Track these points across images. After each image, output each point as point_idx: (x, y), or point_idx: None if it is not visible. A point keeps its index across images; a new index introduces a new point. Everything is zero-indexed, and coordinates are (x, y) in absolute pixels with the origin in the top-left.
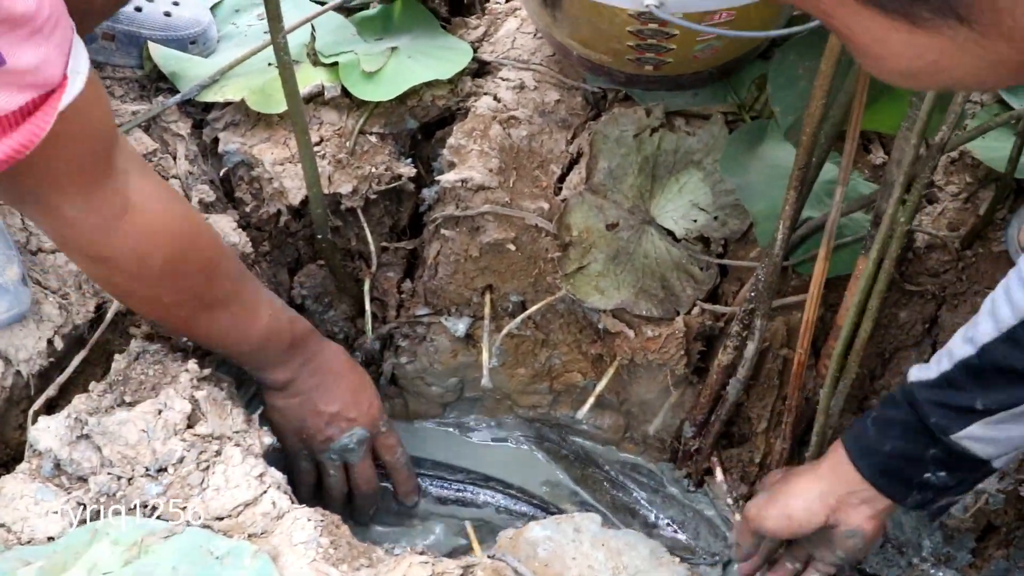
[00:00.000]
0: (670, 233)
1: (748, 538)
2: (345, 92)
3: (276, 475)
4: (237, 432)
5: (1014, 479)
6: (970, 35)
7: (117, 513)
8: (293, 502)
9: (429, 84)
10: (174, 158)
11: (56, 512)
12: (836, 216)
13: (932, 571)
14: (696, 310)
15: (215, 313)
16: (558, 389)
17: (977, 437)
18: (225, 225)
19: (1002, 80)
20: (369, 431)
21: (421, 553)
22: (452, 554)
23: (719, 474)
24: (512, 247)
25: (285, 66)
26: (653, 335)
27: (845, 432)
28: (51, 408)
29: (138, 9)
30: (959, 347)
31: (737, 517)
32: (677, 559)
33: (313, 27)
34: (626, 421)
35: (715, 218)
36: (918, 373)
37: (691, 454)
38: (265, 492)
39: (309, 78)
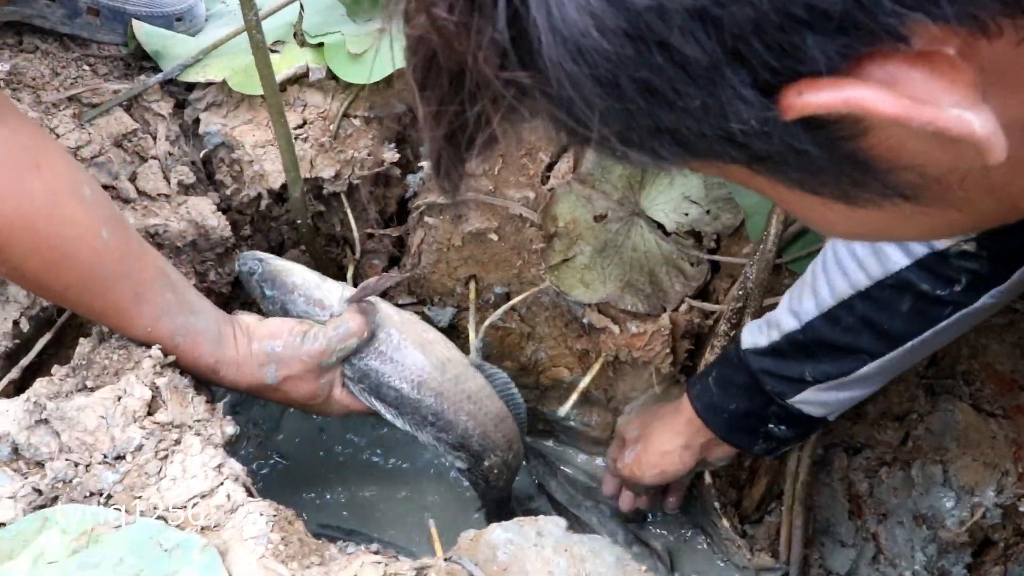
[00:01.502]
0: (660, 226)
1: (614, 488)
2: (331, 74)
3: (235, 466)
4: (198, 421)
5: (1013, 493)
6: (916, 208)
7: (77, 501)
8: (250, 495)
9: None
10: (154, 138)
11: (11, 497)
12: None
13: None
14: (684, 307)
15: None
16: (545, 384)
17: (810, 401)
18: (204, 208)
19: (959, 233)
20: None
21: (375, 552)
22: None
23: (707, 477)
24: (495, 237)
25: (258, 46)
26: (638, 331)
27: (689, 388)
28: (20, 391)
29: None
30: (786, 319)
31: (724, 523)
32: (643, 567)
33: (302, 6)
34: (614, 418)
35: (707, 212)
36: (751, 338)
37: None
38: (221, 484)
39: (294, 59)
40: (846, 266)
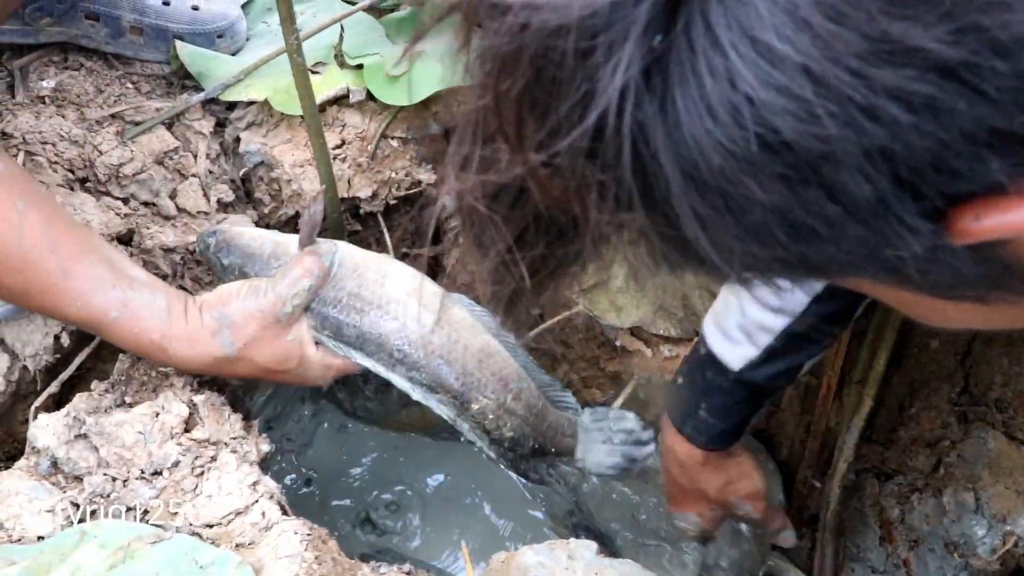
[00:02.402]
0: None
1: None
2: (370, 95)
3: (270, 484)
4: (234, 438)
5: None
6: None
7: (115, 516)
8: (285, 513)
9: (455, 89)
10: (195, 156)
11: (49, 511)
12: None
13: None
14: None
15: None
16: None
17: (809, 369)
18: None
19: None
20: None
21: (407, 573)
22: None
23: None
24: None
25: (298, 68)
26: (671, 355)
27: (687, 432)
28: (60, 404)
29: (166, 3)
30: (773, 320)
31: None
32: None
33: (343, 28)
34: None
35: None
36: (738, 356)
37: None
38: (256, 502)
39: (335, 80)
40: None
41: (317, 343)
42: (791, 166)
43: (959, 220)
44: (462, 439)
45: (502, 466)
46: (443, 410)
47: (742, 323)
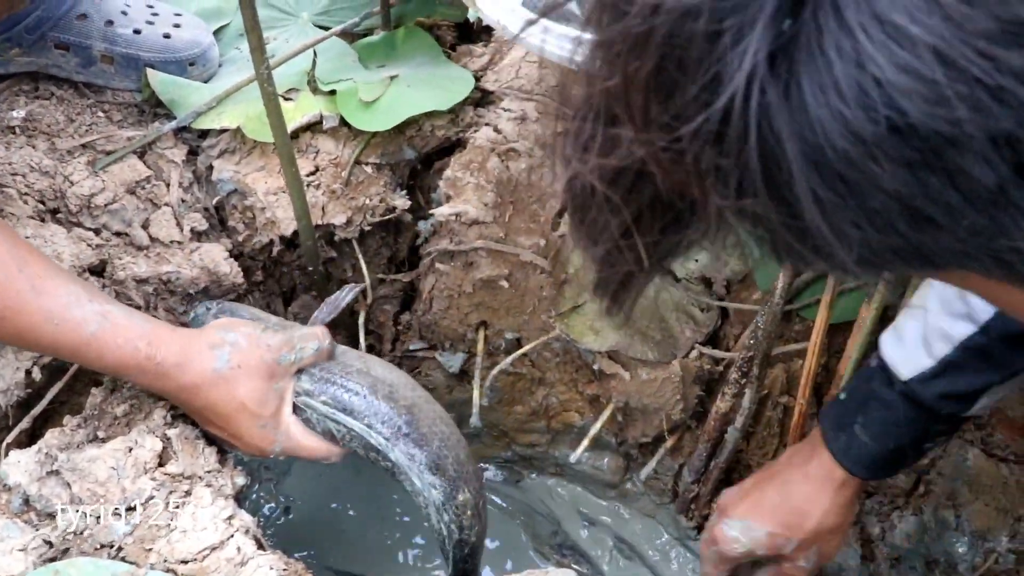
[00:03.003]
0: (670, 272)
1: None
2: (344, 121)
3: (245, 518)
4: (208, 472)
5: None
6: None
7: (88, 553)
8: (260, 548)
9: (429, 114)
10: (167, 185)
11: (22, 550)
12: None
13: None
14: (694, 354)
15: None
16: (556, 428)
17: (984, 405)
18: (216, 254)
19: None
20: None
21: None
22: None
23: None
24: (505, 283)
25: (269, 97)
26: (649, 378)
27: (832, 448)
28: (32, 440)
29: (137, 32)
30: (954, 326)
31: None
32: None
33: (315, 53)
34: (626, 463)
35: (717, 257)
36: (911, 364)
37: (691, 500)
38: (232, 536)
39: (308, 106)
40: None
41: (305, 420)
42: (916, 150)
43: None
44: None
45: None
46: (434, 494)
47: (922, 329)
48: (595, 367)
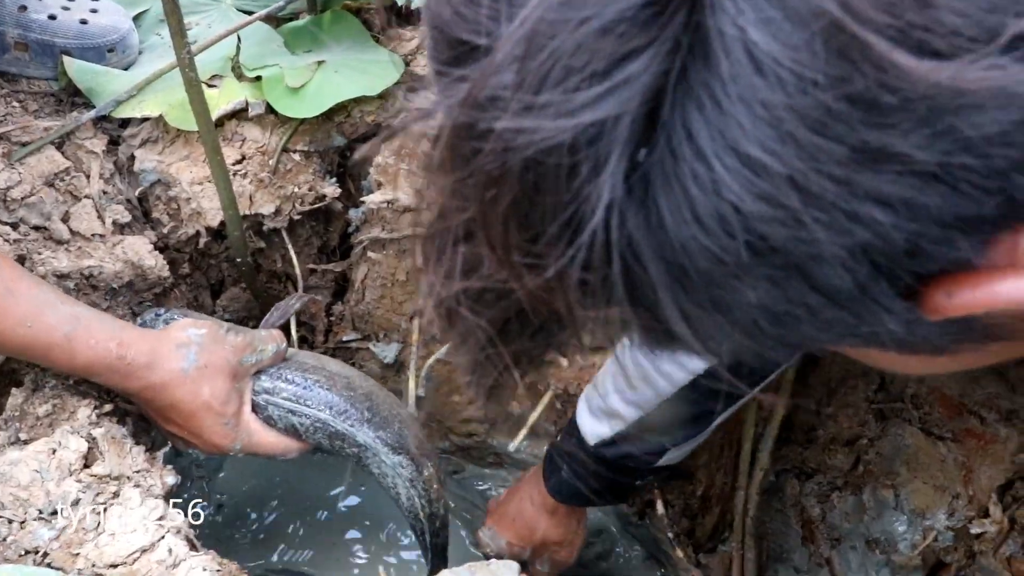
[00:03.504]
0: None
1: None
2: (270, 108)
3: (176, 518)
4: (137, 472)
5: (964, 516)
6: (1007, 345)
7: (12, 560)
8: (193, 548)
9: (358, 99)
10: (87, 177)
11: None
12: None
13: None
14: None
15: None
16: (494, 418)
17: (672, 458)
18: (141, 247)
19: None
20: None
21: None
22: None
23: (660, 507)
24: None
25: (192, 84)
26: (587, 364)
27: (549, 487)
28: None
29: (52, 17)
30: (624, 409)
31: (679, 553)
32: None
33: (239, 39)
34: None
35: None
36: (593, 431)
37: None
38: (163, 538)
39: (233, 93)
40: (679, 357)
41: (266, 418)
42: (777, 267)
43: (932, 297)
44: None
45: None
46: (402, 472)
47: (600, 404)
48: None
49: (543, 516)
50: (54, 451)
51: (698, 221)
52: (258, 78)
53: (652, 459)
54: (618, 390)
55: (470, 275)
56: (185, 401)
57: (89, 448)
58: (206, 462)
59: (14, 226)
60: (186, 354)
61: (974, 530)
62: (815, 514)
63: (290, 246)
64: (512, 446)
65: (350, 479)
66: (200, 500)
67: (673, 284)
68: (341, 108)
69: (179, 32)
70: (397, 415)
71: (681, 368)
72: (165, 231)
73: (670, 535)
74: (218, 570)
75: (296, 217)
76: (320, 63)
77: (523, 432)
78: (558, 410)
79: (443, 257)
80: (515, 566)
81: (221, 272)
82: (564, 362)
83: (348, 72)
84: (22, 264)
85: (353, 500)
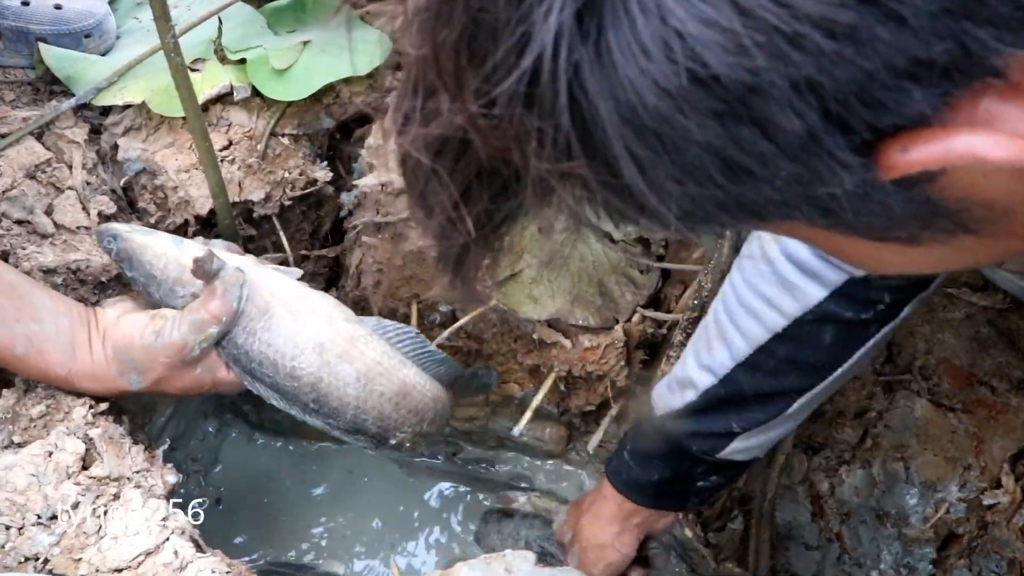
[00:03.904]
0: (607, 234)
1: None
2: (256, 91)
3: (180, 519)
4: (137, 472)
5: (976, 487)
6: (977, 240)
7: (11, 568)
8: (200, 549)
9: (346, 80)
10: (70, 167)
11: None
12: None
13: None
14: (637, 317)
15: None
16: (495, 400)
17: (739, 450)
18: None
19: (1013, 257)
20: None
21: None
22: None
23: None
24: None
25: (177, 69)
26: (591, 345)
27: (608, 466)
28: None
29: (25, 3)
30: (699, 375)
31: (688, 532)
32: None
33: (220, 20)
34: (568, 432)
35: (547, 228)
36: (664, 402)
37: None
38: (167, 540)
39: (217, 77)
40: (756, 309)
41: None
42: (723, 101)
43: (887, 153)
44: None
45: None
46: (360, 445)
47: (679, 373)
48: (535, 336)
49: (600, 506)
50: (50, 453)
51: (644, 51)
52: (242, 61)
53: (718, 445)
54: (695, 352)
55: (428, 122)
56: (165, 396)
57: (87, 449)
58: (202, 456)
59: None
60: (129, 380)
61: (986, 501)
62: (824, 489)
63: (281, 232)
64: (516, 430)
65: (350, 469)
66: (201, 500)
67: (622, 123)
68: (329, 89)
69: (163, 16)
70: (351, 400)
71: (759, 323)
72: (152, 221)
73: (679, 514)
74: (227, 571)
75: (287, 203)
76: (305, 43)
77: (527, 415)
78: (561, 392)
79: (403, 102)
80: (531, 556)
81: None
82: (567, 343)
83: (335, 52)
84: (5, 260)
85: (355, 488)
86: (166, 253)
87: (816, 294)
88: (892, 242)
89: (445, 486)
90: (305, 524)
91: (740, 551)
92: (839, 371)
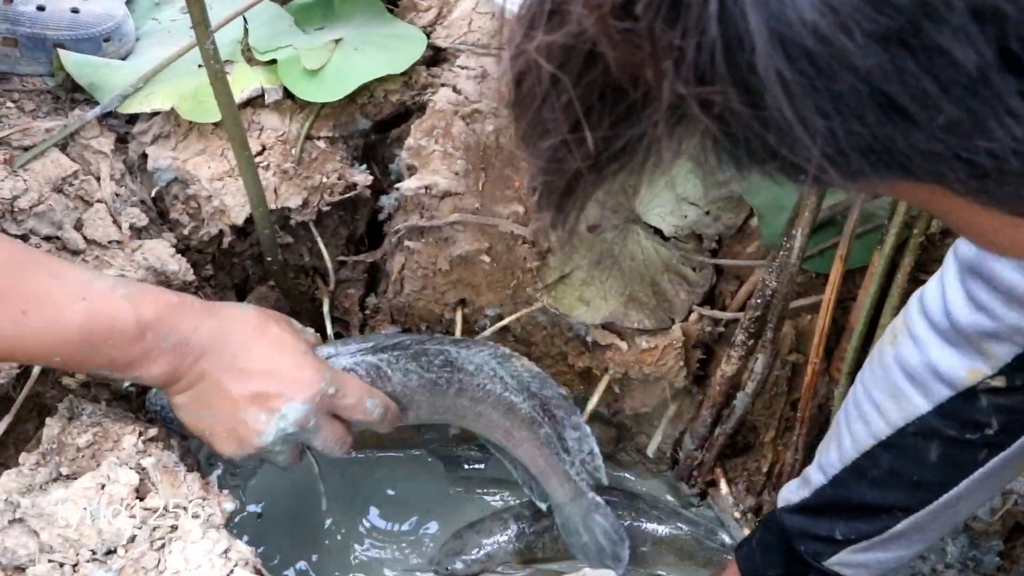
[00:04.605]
0: (658, 232)
1: None
2: (287, 93)
3: (243, 548)
4: (193, 501)
5: None
6: None
7: None
8: None
9: (380, 78)
10: (98, 179)
11: None
12: (858, 208)
13: None
14: (693, 316)
15: None
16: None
17: (846, 563)
18: (162, 251)
19: None
20: (309, 401)
21: None
22: None
23: (724, 486)
24: (487, 258)
25: (217, 76)
26: (648, 347)
27: (738, 554)
28: None
29: (40, 8)
30: (814, 473)
31: (745, 531)
32: None
33: (245, 20)
34: (618, 433)
35: (707, 213)
36: (785, 495)
37: (694, 467)
38: (232, 572)
39: (246, 79)
40: (866, 413)
41: None
42: (892, 21)
43: None
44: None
45: None
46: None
47: (804, 472)
48: (588, 339)
49: None
50: (103, 486)
51: None
52: (272, 61)
53: (824, 551)
54: (818, 450)
55: (556, 28)
56: (258, 333)
57: (140, 480)
58: (240, 471)
59: (24, 238)
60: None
61: None
62: None
63: (319, 239)
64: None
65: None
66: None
67: (773, 40)
68: (363, 88)
69: (203, 22)
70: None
71: (867, 428)
72: (185, 232)
73: (736, 515)
74: None
75: (324, 208)
76: (337, 41)
77: (583, 419)
78: (614, 393)
79: (530, 8)
80: (611, 574)
81: (245, 271)
82: (623, 345)
83: (368, 49)
84: None
85: (402, 497)
86: None
87: (921, 405)
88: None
89: (494, 497)
90: (347, 536)
91: None
92: (947, 496)
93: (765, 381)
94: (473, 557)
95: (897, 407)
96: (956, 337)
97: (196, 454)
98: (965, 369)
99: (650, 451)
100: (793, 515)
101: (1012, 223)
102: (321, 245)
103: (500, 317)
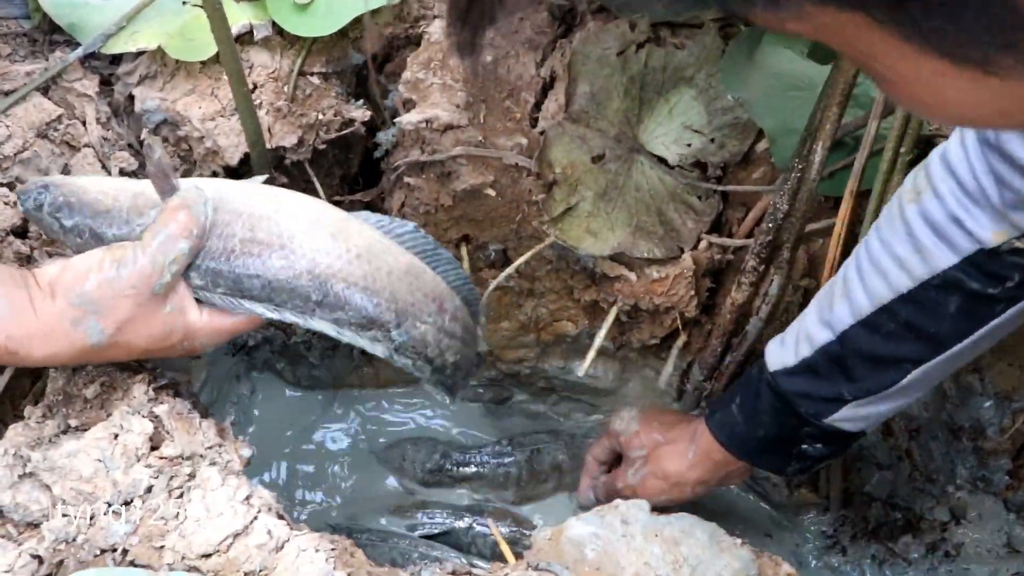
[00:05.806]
0: (662, 161)
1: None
2: (277, 29)
3: (264, 494)
4: (210, 448)
5: None
6: None
7: (87, 563)
8: (291, 528)
9: (372, 11)
10: (83, 123)
11: (8, 571)
12: (876, 127)
13: (967, 497)
14: (702, 244)
15: None
16: (546, 340)
17: (848, 418)
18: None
19: None
20: None
21: (452, 573)
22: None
23: None
24: (491, 192)
25: (214, 10)
26: (659, 276)
27: (709, 418)
28: None
29: None
30: (817, 330)
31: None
32: (739, 541)
33: None
34: (622, 366)
35: (711, 140)
36: (778, 357)
37: (703, 397)
38: (256, 519)
39: (234, 16)
40: (885, 268)
41: (200, 302)
42: None
43: None
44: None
45: (437, 390)
46: (378, 347)
47: (796, 328)
48: (596, 270)
49: (687, 445)
50: (116, 436)
51: None
52: None
53: (825, 410)
54: (817, 308)
55: None
56: (121, 358)
57: (155, 428)
58: (239, 418)
59: (10, 186)
60: (88, 329)
61: None
62: None
63: (314, 178)
64: (581, 370)
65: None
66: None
67: None
68: (355, 22)
69: None
70: (356, 278)
71: (886, 282)
72: (179, 175)
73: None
74: (332, 548)
75: (321, 147)
76: None
77: (591, 354)
78: (622, 324)
79: None
80: (645, 505)
81: None
82: (632, 276)
83: None
84: (26, 231)
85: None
86: (112, 184)
87: (946, 259)
88: (964, 65)
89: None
90: (350, 481)
91: (812, 476)
92: (958, 347)
93: (778, 304)
94: None
95: (922, 261)
96: (983, 199)
97: (199, 401)
98: (990, 231)
99: (662, 382)
100: (793, 377)
101: (938, 71)
102: (317, 185)
103: (504, 251)
